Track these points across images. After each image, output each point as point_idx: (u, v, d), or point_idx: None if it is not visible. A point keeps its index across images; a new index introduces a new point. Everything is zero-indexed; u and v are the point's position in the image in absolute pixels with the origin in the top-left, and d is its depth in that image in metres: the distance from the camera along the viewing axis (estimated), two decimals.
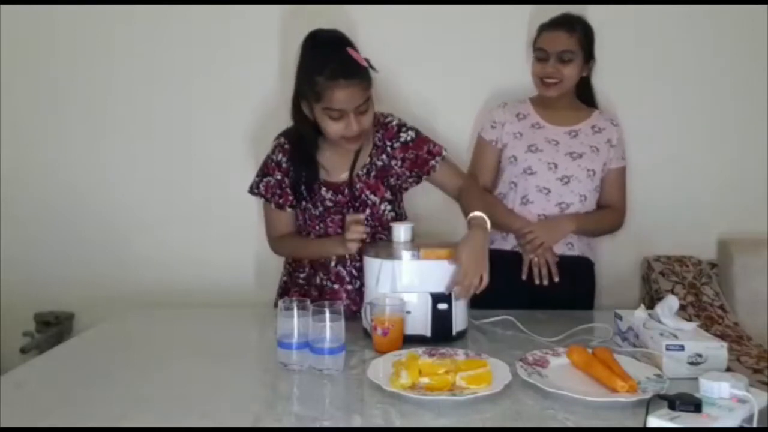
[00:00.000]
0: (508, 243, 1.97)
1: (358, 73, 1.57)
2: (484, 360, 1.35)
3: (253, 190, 1.80)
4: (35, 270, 2.36)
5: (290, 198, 1.76)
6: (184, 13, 2.27)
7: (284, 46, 2.24)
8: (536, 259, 1.86)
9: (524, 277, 1.87)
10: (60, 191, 2.36)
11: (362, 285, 1.68)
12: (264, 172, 1.79)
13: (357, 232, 1.59)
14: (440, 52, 2.27)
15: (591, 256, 2.04)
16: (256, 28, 2.27)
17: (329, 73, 1.55)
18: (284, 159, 1.75)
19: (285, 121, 1.72)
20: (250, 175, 1.84)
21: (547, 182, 1.94)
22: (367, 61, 1.60)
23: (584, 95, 2.06)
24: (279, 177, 1.76)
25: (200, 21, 2.28)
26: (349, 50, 1.58)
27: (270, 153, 1.78)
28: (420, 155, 1.77)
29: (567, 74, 1.93)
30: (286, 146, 1.75)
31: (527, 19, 2.19)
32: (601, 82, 2.26)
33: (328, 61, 1.57)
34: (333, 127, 1.61)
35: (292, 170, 1.74)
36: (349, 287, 1.76)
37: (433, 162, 1.77)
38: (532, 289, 1.86)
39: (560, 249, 1.93)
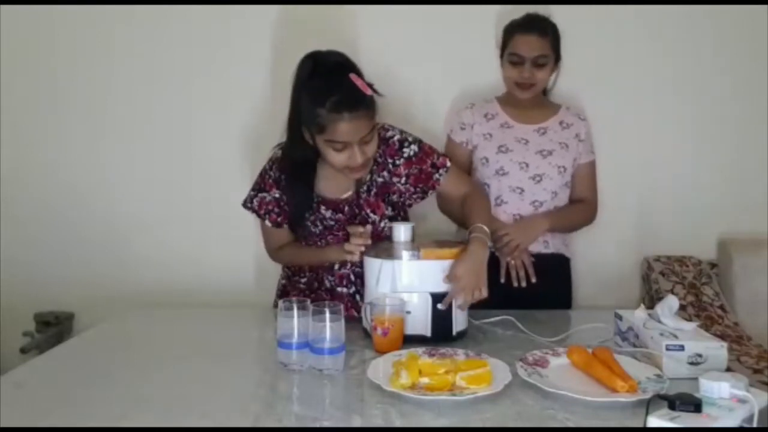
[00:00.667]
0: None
1: (363, 103, 1.50)
2: (484, 360, 1.35)
3: (247, 204, 1.76)
4: (35, 270, 2.36)
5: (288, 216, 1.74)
6: (184, 13, 2.27)
7: (284, 46, 2.24)
8: (512, 261, 1.87)
9: (502, 280, 1.87)
10: (60, 191, 2.36)
11: (357, 291, 1.69)
12: (260, 187, 1.74)
13: (356, 244, 1.57)
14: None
15: (566, 252, 2.06)
16: (255, 28, 2.27)
17: (332, 106, 1.47)
18: (282, 176, 1.70)
19: (284, 123, 1.70)
20: (250, 176, 1.84)
21: (519, 182, 1.96)
22: (371, 86, 1.53)
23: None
24: (277, 195, 1.71)
25: (200, 21, 2.28)
26: (353, 77, 1.50)
27: (267, 167, 1.74)
28: (424, 169, 1.71)
29: (542, 78, 1.95)
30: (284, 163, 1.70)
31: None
32: (600, 82, 2.27)
33: (330, 91, 1.48)
34: (336, 158, 1.55)
35: (288, 191, 1.70)
36: (353, 289, 1.76)
37: (437, 176, 1.72)
38: (508, 288, 1.86)
39: (536, 247, 1.94)
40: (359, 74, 1.54)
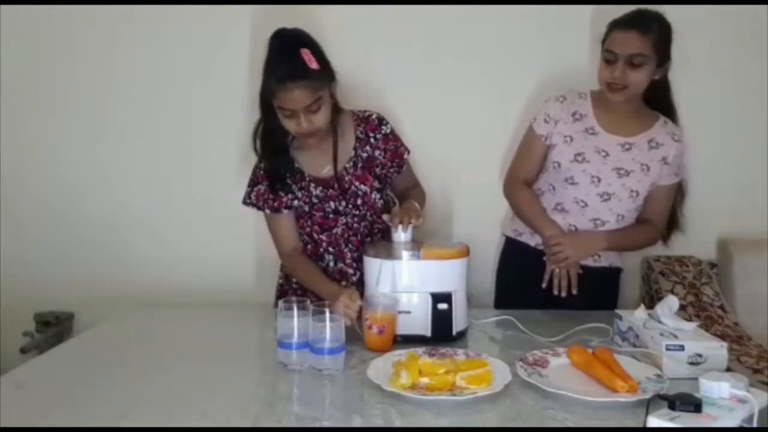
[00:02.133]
0: (534, 239, 1.94)
1: (307, 75, 1.62)
2: (484, 360, 1.35)
3: (246, 201, 1.85)
4: (35, 270, 2.36)
5: (284, 200, 1.80)
6: (184, 14, 2.27)
7: None
8: (557, 270, 1.80)
9: (544, 285, 1.81)
10: (60, 191, 2.36)
11: (362, 275, 1.72)
12: (253, 181, 1.84)
13: (349, 311, 1.53)
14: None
15: (619, 263, 2.00)
16: (256, 28, 2.26)
17: (279, 76, 1.62)
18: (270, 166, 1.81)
19: None
20: (249, 176, 1.85)
21: (586, 195, 1.85)
22: (323, 63, 1.66)
23: (658, 99, 1.92)
24: (268, 182, 1.80)
25: (200, 21, 2.28)
26: (303, 51, 1.63)
27: (257, 162, 1.84)
28: (397, 146, 1.87)
29: (634, 80, 1.77)
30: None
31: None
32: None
33: (280, 63, 1.64)
34: (287, 124, 1.69)
35: (268, 164, 1.79)
36: (354, 278, 1.80)
37: (406, 155, 1.89)
38: (549, 289, 1.82)
39: (586, 261, 1.86)
40: (316, 50, 1.67)
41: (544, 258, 1.85)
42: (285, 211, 1.81)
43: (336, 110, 1.76)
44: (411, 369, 1.27)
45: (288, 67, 1.62)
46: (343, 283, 1.80)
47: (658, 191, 1.89)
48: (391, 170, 1.87)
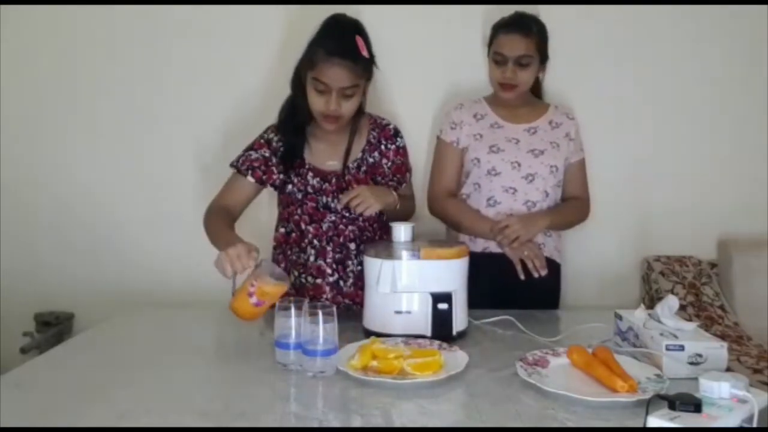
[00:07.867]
0: (478, 245, 1.93)
1: (355, 58, 1.66)
2: (435, 350, 1.39)
3: (233, 163, 1.83)
4: (35, 270, 2.37)
5: (274, 176, 1.81)
6: (184, 14, 2.27)
7: (287, 46, 2.24)
8: (526, 252, 1.80)
9: (522, 277, 1.81)
10: (60, 191, 2.36)
11: (340, 278, 1.80)
12: (250, 147, 1.84)
13: (236, 264, 1.52)
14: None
15: (558, 258, 2.03)
16: (258, 29, 2.27)
17: (328, 48, 1.65)
18: (275, 138, 1.82)
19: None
20: None
21: (512, 182, 1.94)
22: (371, 56, 1.70)
23: (534, 91, 2.06)
24: (267, 154, 1.81)
25: (200, 21, 2.28)
26: (357, 38, 1.68)
27: (262, 132, 1.86)
28: (404, 163, 1.90)
29: (524, 79, 1.93)
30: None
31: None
32: (601, 82, 2.27)
33: (333, 38, 1.68)
34: (315, 99, 1.70)
35: (279, 142, 1.80)
36: (331, 279, 1.81)
37: (408, 175, 1.92)
38: (497, 290, 1.81)
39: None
40: (368, 43, 1.72)
41: (503, 249, 1.84)
42: (251, 180, 1.79)
43: (359, 109, 1.79)
44: (365, 353, 1.33)
45: (340, 44, 1.66)
46: (319, 280, 1.80)
47: (573, 168, 2.02)
48: (391, 182, 1.87)
